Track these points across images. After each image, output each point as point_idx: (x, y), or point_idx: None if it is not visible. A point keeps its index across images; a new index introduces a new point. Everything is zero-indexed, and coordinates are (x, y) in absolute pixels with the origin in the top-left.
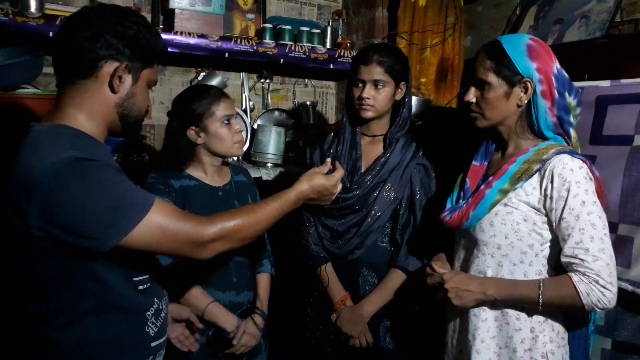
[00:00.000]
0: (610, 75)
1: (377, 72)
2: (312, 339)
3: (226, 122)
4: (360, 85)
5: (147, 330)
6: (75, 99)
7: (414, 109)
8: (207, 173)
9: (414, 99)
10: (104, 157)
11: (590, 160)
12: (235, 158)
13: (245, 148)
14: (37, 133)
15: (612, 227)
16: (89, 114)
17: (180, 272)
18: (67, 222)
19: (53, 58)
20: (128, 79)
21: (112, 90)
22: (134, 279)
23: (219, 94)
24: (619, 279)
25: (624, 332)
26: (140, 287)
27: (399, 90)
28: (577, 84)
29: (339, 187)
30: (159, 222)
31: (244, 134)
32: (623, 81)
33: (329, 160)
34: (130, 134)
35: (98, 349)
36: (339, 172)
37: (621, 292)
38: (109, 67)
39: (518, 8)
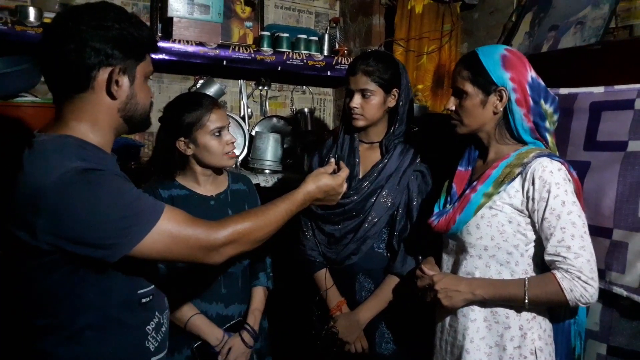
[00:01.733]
0: (605, 81)
1: (363, 81)
2: (318, 338)
3: (217, 134)
4: (350, 95)
5: (147, 345)
6: (75, 112)
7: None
8: (200, 182)
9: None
10: (111, 166)
11: (585, 166)
12: (232, 165)
13: (242, 155)
14: (42, 144)
15: (607, 232)
16: (93, 124)
17: (167, 282)
18: (77, 234)
19: (44, 75)
20: (125, 80)
21: (112, 97)
22: (139, 291)
23: (211, 104)
24: (615, 284)
25: (619, 337)
26: (144, 300)
27: (391, 97)
28: (571, 90)
29: (345, 186)
30: (169, 229)
31: (239, 142)
32: (617, 87)
33: (333, 160)
34: (141, 128)
35: None
36: (344, 172)
37: (616, 297)
38: (103, 75)
39: (514, 15)
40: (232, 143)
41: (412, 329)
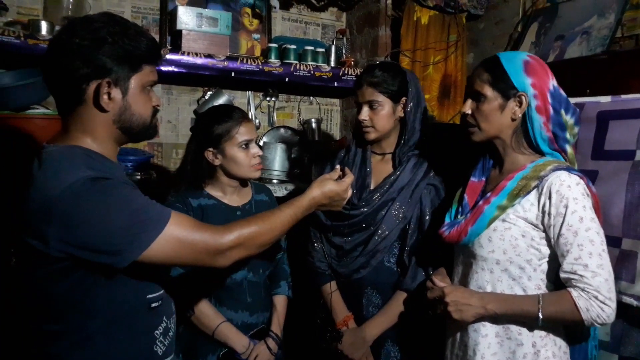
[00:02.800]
0: (612, 91)
1: (369, 93)
2: (322, 341)
3: (244, 146)
4: (359, 108)
5: (156, 350)
6: (77, 124)
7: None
8: (226, 193)
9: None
10: (118, 175)
11: (592, 175)
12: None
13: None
14: (51, 154)
15: (616, 241)
16: (94, 136)
17: (194, 289)
18: (87, 241)
19: (48, 89)
20: (116, 93)
21: (102, 109)
22: (148, 296)
23: (240, 117)
24: (624, 294)
25: (630, 347)
26: (153, 305)
27: (400, 106)
28: (578, 99)
29: (350, 192)
30: (177, 234)
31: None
32: (624, 97)
33: (338, 167)
34: (145, 137)
35: None
36: (349, 178)
37: (627, 307)
38: (92, 88)
39: (520, 25)
40: (259, 156)
41: (419, 347)
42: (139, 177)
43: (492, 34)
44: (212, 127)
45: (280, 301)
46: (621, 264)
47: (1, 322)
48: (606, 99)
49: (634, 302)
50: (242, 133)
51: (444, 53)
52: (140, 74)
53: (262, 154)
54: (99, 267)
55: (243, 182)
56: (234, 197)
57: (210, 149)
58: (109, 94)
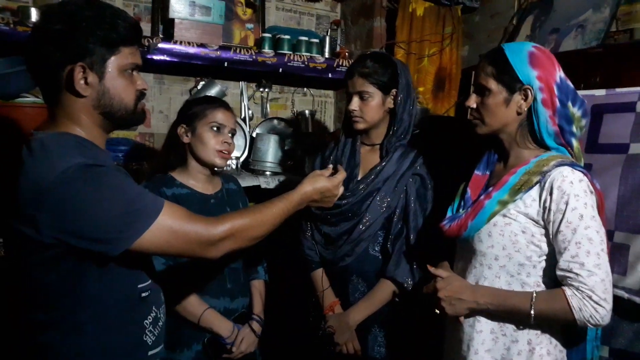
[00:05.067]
0: (606, 84)
1: (360, 83)
2: (315, 338)
3: (214, 128)
4: (349, 98)
5: (145, 339)
6: (61, 112)
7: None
8: (198, 181)
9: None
10: (109, 163)
11: (586, 168)
12: (232, 166)
13: (243, 157)
14: (41, 141)
15: (609, 234)
16: (79, 123)
17: (176, 279)
18: (80, 228)
19: (32, 79)
20: (92, 77)
21: (78, 94)
22: (139, 285)
23: (221, 104)
24: (615, 286)
25: (621, 339)
26: (143, 295)
27: (390, 98)
28: None
29: (341, 189)
30: (170, 224)
31: (240, 145)
32: (618, 90)
33: (331, 165)
34: (132, 123)
35: (96, 357)
36: (341, 174)
37: (617, 299)
38: (66, 74)
39: (515, 18)
40: (228, 144)
41: (406, 334)
42: (134, 167)
43: (488, 27)
44: (191, 106)
45: (259, 285)
46: (613, 257)
47: None
48: (601, 92)
49: (625, 295)
50: (216, 115)
51: (439, 45)
52: (117, 57)
53: (232, 144)
54: (90, 255)
55: (212, 170)
56: (206, 186)
57: (183, 125)
58: (85, 78)
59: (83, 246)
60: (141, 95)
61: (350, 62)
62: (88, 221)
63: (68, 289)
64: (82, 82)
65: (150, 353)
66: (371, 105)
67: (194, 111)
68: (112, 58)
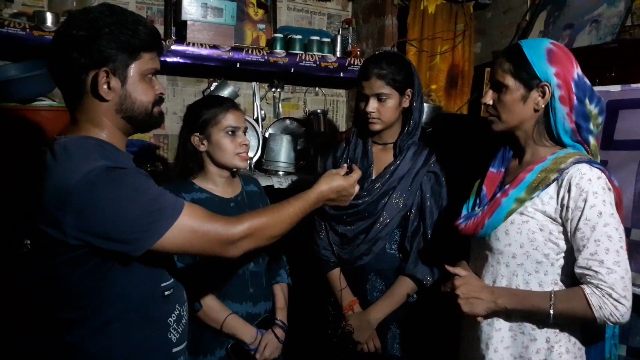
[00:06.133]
0: (621, 80)
1: (377, 85)
2: (334, 336)
3: (230, 132)
4: (365, 99)
5: (170, 337)
6: (84, 116)
7: (424, 116)
8: (217, 185)
9: (425, 106)
10: (130, 164)
11: (602, 165)
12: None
13: (256, 157)
14: (64, 145)
15: (625, 232)
16: (101, 127)
17: (197, 283)
18: (103, 229)
19: (55, 84)
20: (115, 82)
21: (102, 99)
22: (162, 284)
23: (229, 105)
24: (633, 284)
25: (639, 338)
26: (166, 293)
27: (405, 98)
28: None
29: (357, 187)
30: (190, 224)
31: (253, 144)
32: (634, 86)
33: (345, 164)
34: (151, 126)
35: (122, 355)
36: (357, 173)
37: (635, 297)
38: (89, 79)
39: (528, 14)
40: (246, 145)
41: (425, 331)
42: (148, 168)
43: (500, 23)
44: (200, 112)
45: (282, 289)
46: (630, 254)
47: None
48: (616, 88)
49: None
50: (228, 119)
51: (451, 43)
52: (139, 62)
53: (249, 144)
54: (114, 255)
55: (232, 173)
56: (226, 189)
57: (197, 134)
58: (108, 83)
59: (106, 247)
60: (160, 99)
61: (362, 61)
62: (111, 222)
63: (93, 288)
64: (106, 86)
65: (174, 350)
66: (388, 107)
67: (205, 118)
68: (134, 63)
